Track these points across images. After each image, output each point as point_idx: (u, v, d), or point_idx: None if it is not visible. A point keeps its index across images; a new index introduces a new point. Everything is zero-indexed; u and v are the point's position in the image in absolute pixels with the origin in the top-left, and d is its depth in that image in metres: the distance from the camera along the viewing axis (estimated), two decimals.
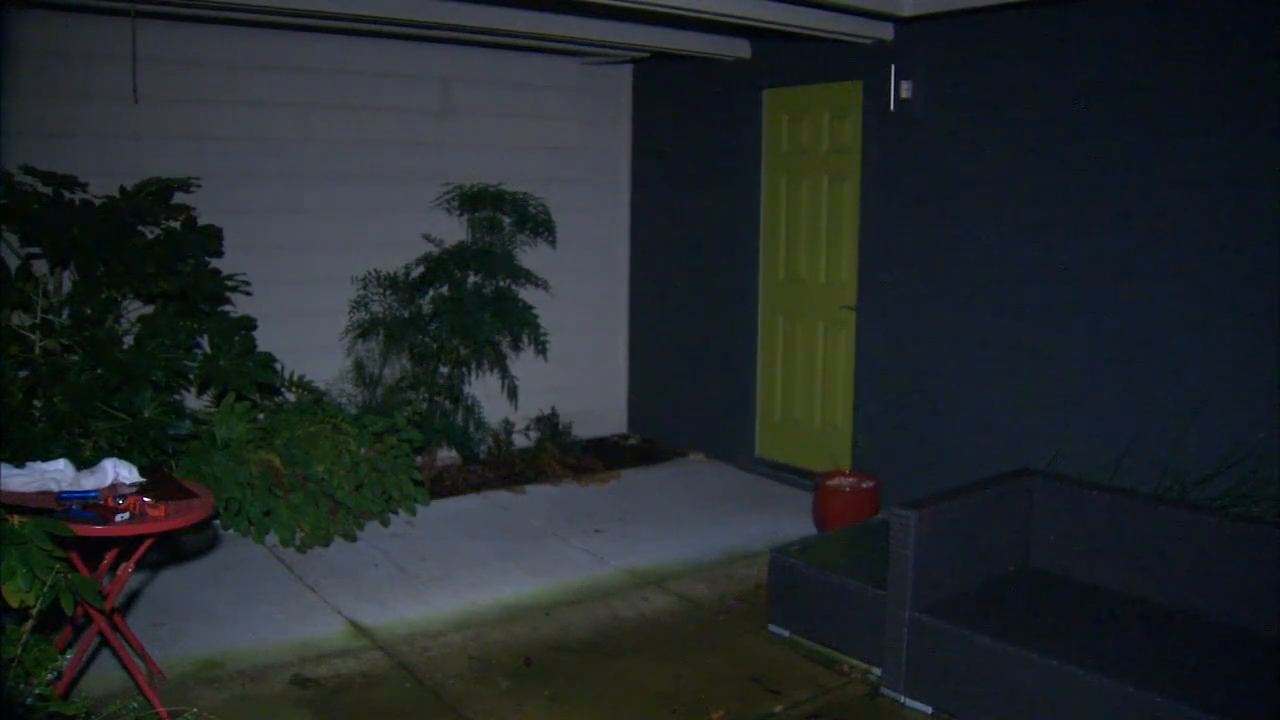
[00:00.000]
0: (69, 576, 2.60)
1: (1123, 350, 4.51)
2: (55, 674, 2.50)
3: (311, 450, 4.89)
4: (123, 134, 5.29)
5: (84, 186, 4.92)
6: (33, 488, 3.23)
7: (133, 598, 4.18)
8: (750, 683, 3.66)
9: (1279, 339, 4.03)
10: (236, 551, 4.77)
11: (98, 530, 3.05)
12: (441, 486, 5.80)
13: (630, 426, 7.21)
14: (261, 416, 5.10)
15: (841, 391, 5.84)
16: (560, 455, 6.36)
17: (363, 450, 5.02)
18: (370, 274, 6.03)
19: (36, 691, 2.39)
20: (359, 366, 6.03)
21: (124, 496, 3.16)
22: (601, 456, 6.59)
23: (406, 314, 6.00)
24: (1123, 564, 3.67)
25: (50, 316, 4.66)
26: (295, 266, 5.83)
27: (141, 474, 3.42)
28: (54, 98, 5.10)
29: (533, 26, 5.28)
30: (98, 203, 4.91)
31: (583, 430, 6.82)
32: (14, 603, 2.44)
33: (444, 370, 6.06)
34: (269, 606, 4.22)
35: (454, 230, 6.18)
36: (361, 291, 6.02)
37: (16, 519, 2.59)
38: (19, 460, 3.43)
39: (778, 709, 3.50)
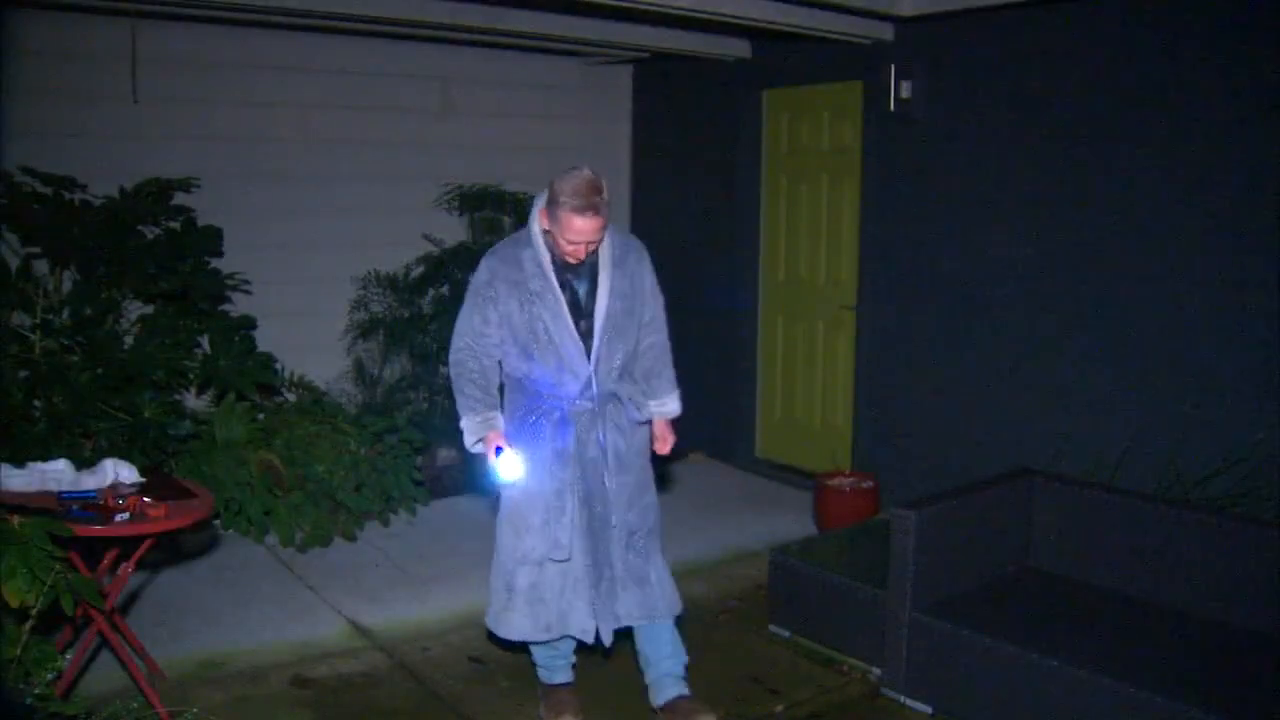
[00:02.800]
0: (69, 576, 2.59)
1: (1123, 350, 4.50)
2: (55, 674, 2.49)
3: (311, 450, 4.89)
4: (123, 134, 5.29)
5: (83, 187, 4.92)
6: (33, 488, 3.23)
7: (133, 598, 4.17)
8: (750, 683, 3.66)
9: (1279, 339, 4.03)
10: (236, 551, 4.77)
11: (98, 530, 3.05)
12: (441, 486, 5.79)
13: None
14: (261, 416, 5.10)
15: (841, 391, 5.84)
16: None
17: (363, 450, 5.02)
18: (370, 274, 6.02)
19: (36, 691, 2.39)
20: (359, 366, 6.03)
21: (124, 496, 3.16)
22: None
23: (407, 314, 6.00)
24: (1123, 564, 3.67)
25: (50, 316, 4.66)
26: (295, 266, 5.82)
27: (141, 474, 3.42)
28: (54, 98, 5.10)
29: (533, 26, 5.28)
30: (98, 203, 4.91)
31: None
32: (14, 603, 2.43)
33: (444, 370, 6.05)
34: (269, 606, 4.22)
35: (454, 230, 6.18)
36: (361, 291, 6.02)
37: (16, 519, 2.59)
38: (19, 460, 3.43)
39: (778, 709, 3.50)
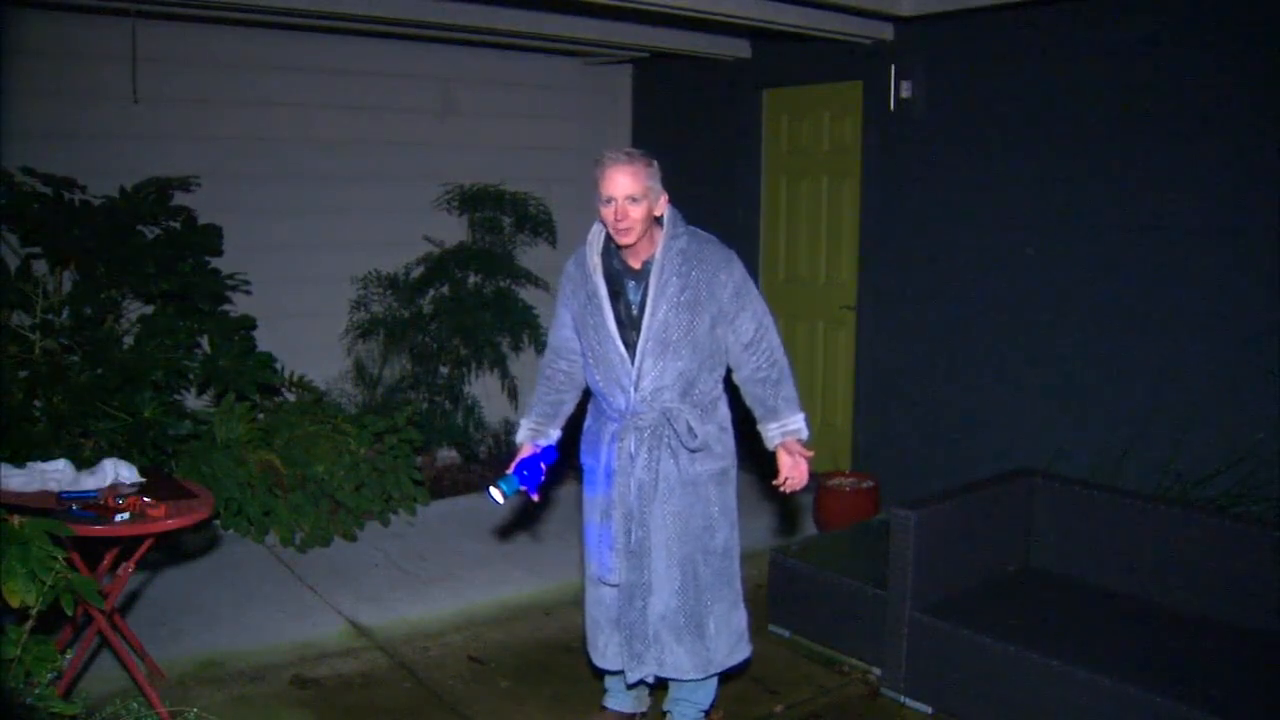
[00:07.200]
0: (69, 576, 2.60)
1: (1123, 350, 4.50)
2: (55, 674, 2.49)
3: (311, 450, 4.89)
4: (123, 134, 5.28)
5: (83, 187, 4.92)
6: (33, 488, 3.23)
7: (133, 598, 4.17)
8: (750, 683, 3.66)
9: (1279, 339, 4.03)
10: (236, 551, 4.77)
11: (98, 530, 3.05)
12: (441, 486, 5.79)
13: None
14: (261, 416, 5.10)
15: (841, 391, 5.84)
16: None
17: (363, 450, 5.02)
18: (370, 274, 6.03)
19: (36, 691, 2.39)
20: (359, 366, 6.03)
21: (124, 496, 3.16)
22: None
23: (406, 314, 6.00)
24: (1123, 564, 3.67)
25: (50, 316, 4.66)
26: (295, 266, 5.82)
27: (141, 474, 3.42)
28: (54, 98, 5.10)
29: (533, 26, 5.28)
30: (98, 203, 4.91)
31: None
32: (14, 603, 2.44)
33: (444, 370, 6.06)
34: (269, 606, 4.22)
35: (454, 230, 6.18)
36: (361, 291, 6.02)
37: (16, 519, 2.59)
38: (19, 460, 3.43)
39: (778, 709, 3.50)
